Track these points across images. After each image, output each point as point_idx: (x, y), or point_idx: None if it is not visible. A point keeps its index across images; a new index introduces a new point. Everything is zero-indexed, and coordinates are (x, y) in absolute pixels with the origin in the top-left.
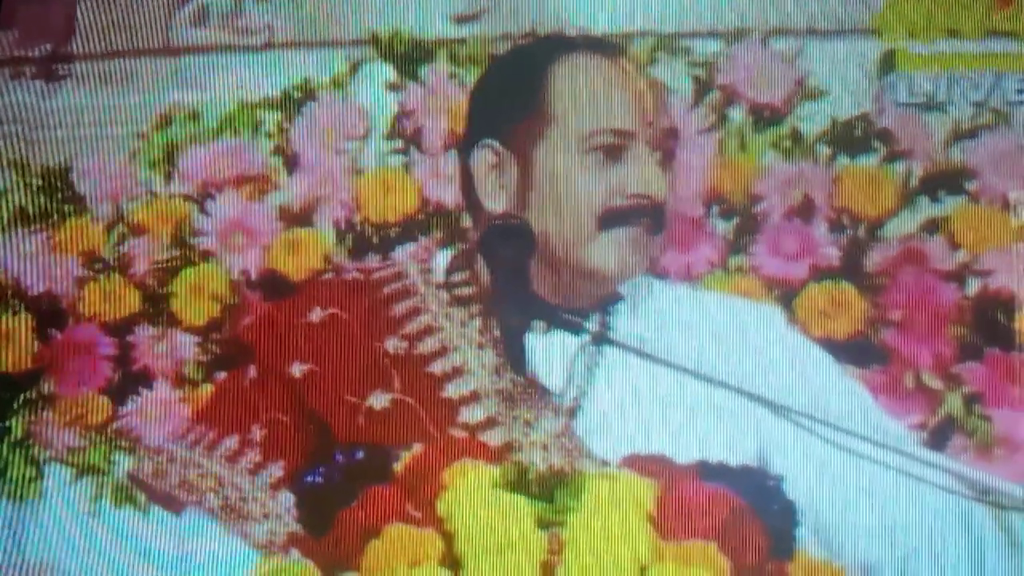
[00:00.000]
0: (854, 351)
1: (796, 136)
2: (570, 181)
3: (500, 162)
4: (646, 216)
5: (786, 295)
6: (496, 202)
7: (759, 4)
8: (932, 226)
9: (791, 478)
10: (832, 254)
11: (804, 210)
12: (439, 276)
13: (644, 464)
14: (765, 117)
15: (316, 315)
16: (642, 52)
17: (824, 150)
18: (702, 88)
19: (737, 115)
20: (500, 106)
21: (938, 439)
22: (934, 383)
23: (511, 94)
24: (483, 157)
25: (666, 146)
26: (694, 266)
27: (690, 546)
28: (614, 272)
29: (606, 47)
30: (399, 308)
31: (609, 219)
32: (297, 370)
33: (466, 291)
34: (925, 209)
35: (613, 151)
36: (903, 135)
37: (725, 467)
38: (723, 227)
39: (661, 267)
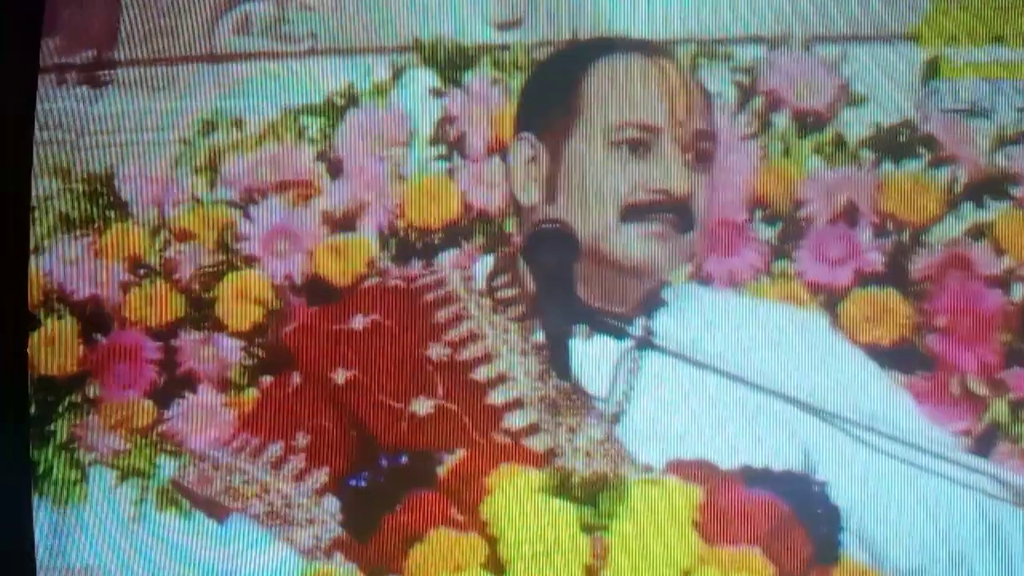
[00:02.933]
0: (899, 357)
1: (840, 142)
2: (594, 173)
3: (535, 155)
4: (667, 212)
5: (830, 301)
6: (527, 194)
7: (801, 10)
8: (977, 232)
9: (835, 483)
10: (877, 260)
11: (848, 216)
12: (481, 283)
13: (688, 469)
14: (809, 123)
15: (359, 322)
16: (684, 58)
17: (868, 155)
18: (745, 94)
19: (781, 121)
20: (540, 104)
21: (983, 445)
22: (980, 389)
23: (550, 93)
24: (520, 150)
25: (698, 147)
26: (738, 271)
27: (734, 551)
28: (638, 264)
29: (647, 47)
30: (442, 315)
31: (630, 212)
32: (340, 376)
33: (509, 295)
34: (970, 215)
35: (639, 146)
36: (948, 141)
37: (769, 472)
38: (767, 232)
39: (705, 272)
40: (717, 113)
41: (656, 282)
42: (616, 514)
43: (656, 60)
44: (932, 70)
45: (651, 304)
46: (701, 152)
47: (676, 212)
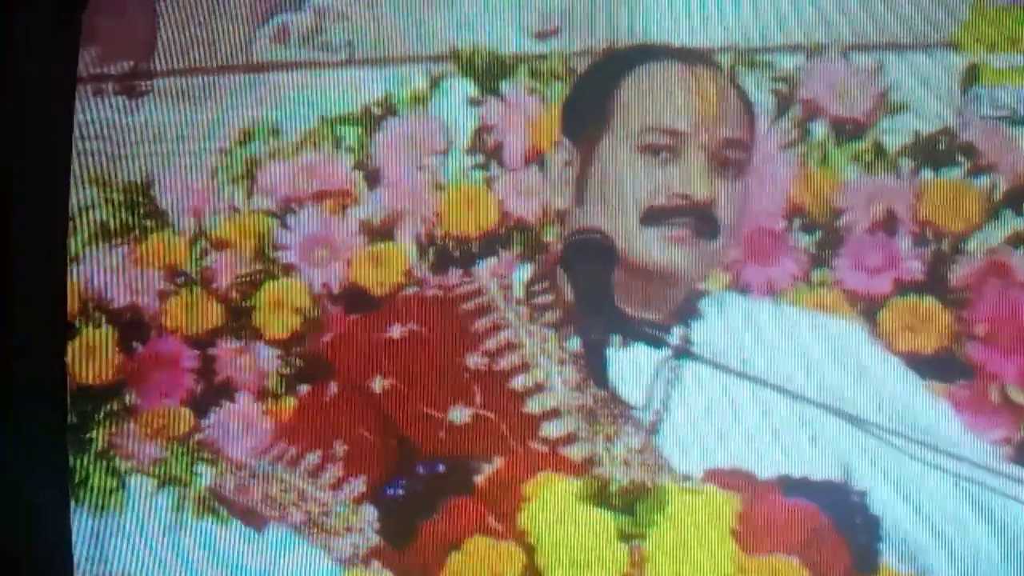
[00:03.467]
0: (938, 366)
1: (879, 150)
2: (619, 176)
3: (570, 159)
4: (688, 217)
5: (869, 309)
6: (560, 197)
7: (839, 18)
8: (1017, 240)
9: (874, 493)
10: (916, 268)
11: (887, 224)
12: (518, 292)
13: (726, 478)
14: (847, 131)
15: (396, 331)
16: (724, 67)
17: (907, 164)
18: (784, 103)
19: (819, 129)
20: (579, 112)
21: (1023, 454)
22: (1019, 397)
23: (589, 100)
24: (557, 154)
25: (725, 156)
26: (776, 280)
27: (772, 560)
28: (661, 268)
29: (685, 55)
30: (479, 324)
31: (650, 216)
32: (378, 385)
33: (546, 301)
34: (1010, 222)
35: (663, 150)
36: (987, 149)
37: (808, 481)
38: (805, 241)
39: (743, 281)
40: (760, 124)
41: (690, 290)
42: (654, 523)
43: (691, 67)
44: (971, 77)
45: (686, 312)
46: (729, 160)
47: (697, 217)
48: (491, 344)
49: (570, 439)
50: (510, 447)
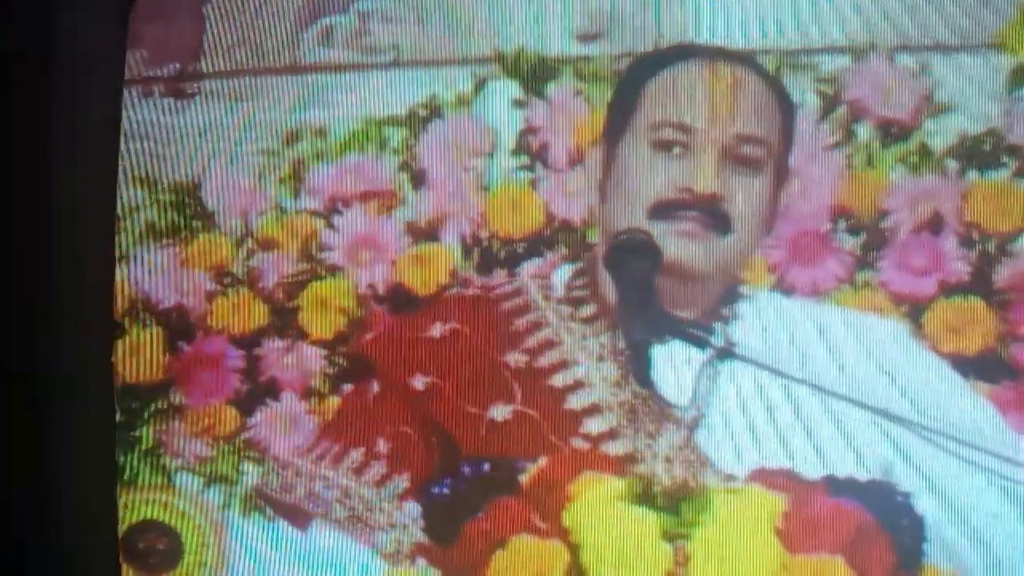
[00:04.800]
0: (984, 367)
1: (924, 151)
2: (634, 171)
3: (603, 157)
4: (692, 210)
5: (915, 310)
6: (591, 195)
7: (884, 19)
8: None
9: (920, 493)
10: (962, 269)
11: (933, 225)
12: (559, 291)
13: (771, 478)
14: (892, 133)
15: (437, 330)
16: (766, 66)
17: (953, 165)
18: (829, 104)
19: (864, 131)
20: (616, 112)
21: None
22: None
23: (623, 100)
24: (594, 155)
25: (743, 152)
26: (821, 281)
27: (817, 560)
28: (677, 264)
29: (714, 53)
30: (520, 323)
31: (657, 210)
32: (420, 383)
33: (586, 299)
34: None
35: (677, 145)
36: None
37: (853, 481)
38: (850, 242)
39: (788, 283)
40: (799, 122)
41: (727, 289)
42: (699, 522)
43: (713, 64)
44: (1017, 78)
45: (727, 312)
46: (748, 157)
47: (702, 211)
48: (531, 342)
49: (612, 435)
50: (551, 443)
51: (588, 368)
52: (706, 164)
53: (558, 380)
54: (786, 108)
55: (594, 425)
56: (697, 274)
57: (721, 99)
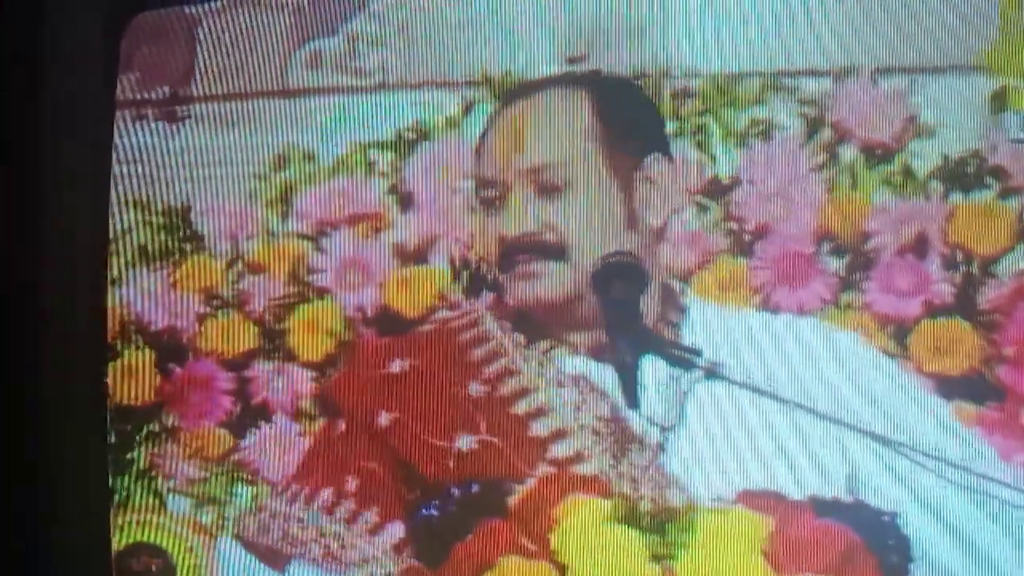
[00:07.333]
0: (969, 388)
1: (908, 173)
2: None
3: None
4: (521, 253)
5: (899, 332)
6: None
7: (867, 42)
8: None
9: (905, 513)
10: (946, 291)
11: (917, 247)
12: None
13: (757, 499)
14: (876, 155)
15: (396, 366)
16: (750, 92)
17: (937, 187)
18: (812, 126)
19: (848, 153)
20: None
21: None
22: None
23: None
24: None
25: (541, 182)
26: (806, 303)
27: None
28: (529, 302)
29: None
30: (477, 353)
31: (502, 264)
32: (384, 419)
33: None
34: None
35: (494, 200)
36: (1017, 171)
37: (839, 502)
38: (835, 264)
39: (772, 303)
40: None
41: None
42: (685, 543)
43: (504, 107)
44: (1001, 100)
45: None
46: (549, 185)
47: (528, 252)
48: (489, 372)
49: (579, 458)
50: (519, 470)
51: (549, 394)
52: (514, 207)
53: (520, 408)
54: (608, 112)
55: (560, 450)
56: (558, 301)
57: (503, 139)
